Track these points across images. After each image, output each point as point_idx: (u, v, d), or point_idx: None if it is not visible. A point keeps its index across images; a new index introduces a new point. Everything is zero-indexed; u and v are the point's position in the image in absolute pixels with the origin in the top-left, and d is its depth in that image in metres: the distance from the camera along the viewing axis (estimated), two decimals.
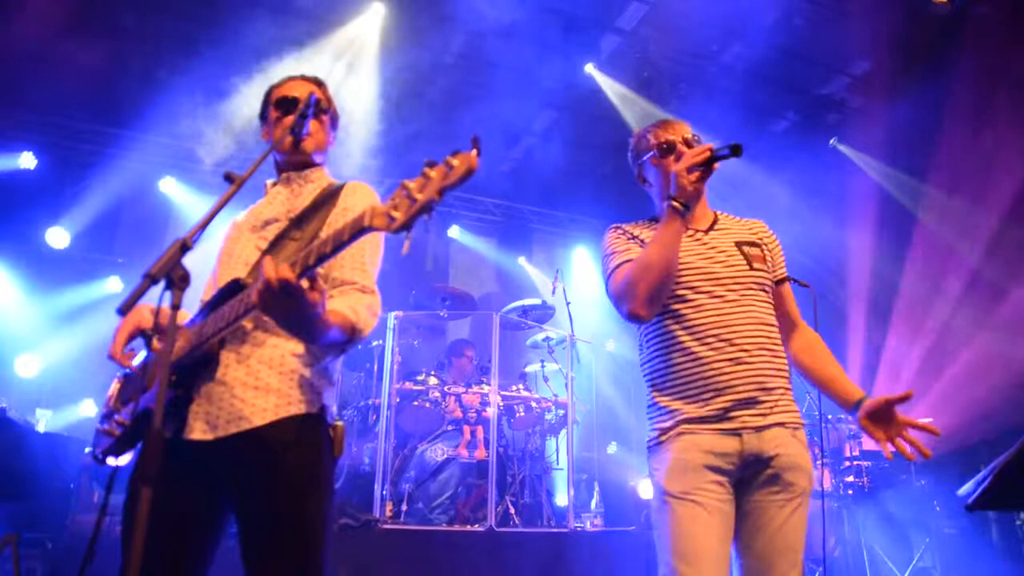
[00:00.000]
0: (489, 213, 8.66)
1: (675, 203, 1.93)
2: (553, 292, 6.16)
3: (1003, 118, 6.01)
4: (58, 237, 6.58)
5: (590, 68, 6.92)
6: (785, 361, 2.04)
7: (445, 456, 5.05)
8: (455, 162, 1.30)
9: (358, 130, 6.87)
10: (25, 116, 6.62)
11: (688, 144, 2.14)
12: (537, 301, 6.02)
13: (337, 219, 1.84)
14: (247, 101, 6.13)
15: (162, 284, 1.35)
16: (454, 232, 8.52)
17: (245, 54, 5.97)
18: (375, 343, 5.47)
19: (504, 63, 6.51)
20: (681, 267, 2.01)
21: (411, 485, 4.93)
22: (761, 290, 2.05)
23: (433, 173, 1.32)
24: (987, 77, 6.08)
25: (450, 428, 5.27)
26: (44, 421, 5.51)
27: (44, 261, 6.54)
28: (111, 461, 1.74)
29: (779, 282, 2.18)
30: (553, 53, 6.51)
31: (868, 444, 6.00)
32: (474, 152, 1.30)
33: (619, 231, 2.19)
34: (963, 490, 1.91)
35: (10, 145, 6.58)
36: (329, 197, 1.91)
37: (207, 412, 1.68)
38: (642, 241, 2.12)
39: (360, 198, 1.91)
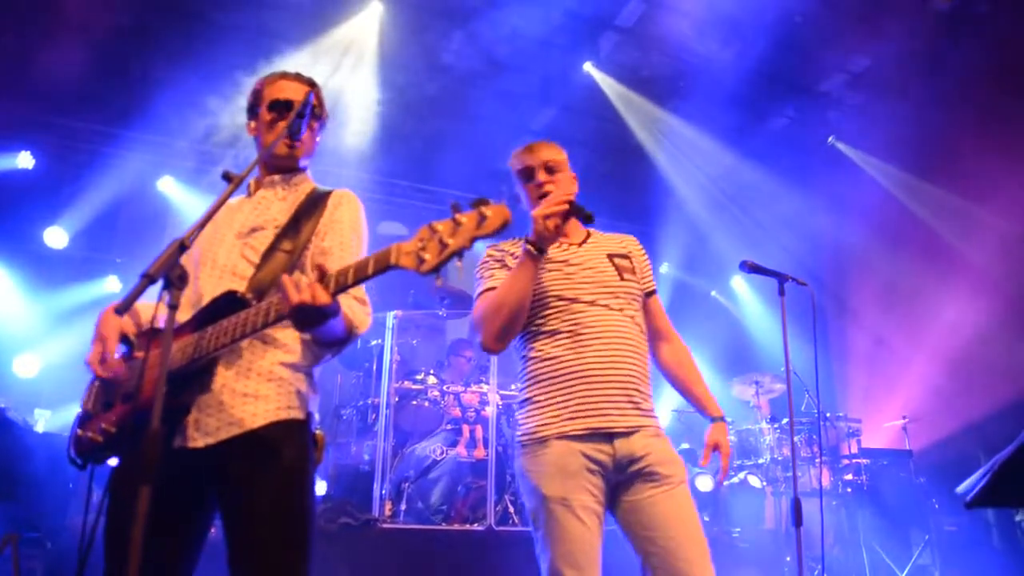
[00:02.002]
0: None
1: (530, 247, 1.94)
2: None
3: (1003, 116, 6.02)
4: (56, 237, 6.56)
5: (589, 67, 6.91)
6: (648, 368, 2.12)
7: (444, 455, 5.05)
8: (489, 213, 1.32)
9: (356, 129, 6.86)
10: (23, 115, 6.60)
11: (548, 169, 2.16)
12: None
13: (326, 230, 1.87)
14: (245, 100, 6.11)
15: (160, 284, 1.35)
16: None
17: (244, 53, 5.96)
18: (374, 342, 5.47)
19: (503, 62, 6.51)
20: (552, 280, 2.08)
21: (410, 484, 4.93)
22: (631, 300, 2.12)
23: (464, 219, 1.33)
24: (986, 75, 6.08)
25: (449, 427, 5.27)
26: (43, 421, 5.51)
27: (42, 261, 6.53)
28: (115, 464, 1.73)
29: (648, 295, 2.25)
30: (552, 51, 6.51)
31: (866, 442, 6.01)
32: (505, 204, 1.33)
33: (492, 254, 2.21)
34: (962, 487, 1.91)
35: (8, 145, 6.56)
36: (313, 205, 1.90)
37: (198, 420, 1.68)
38: (508, 265, 2.13)
39: (347, 211, 1.92)
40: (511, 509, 4.92)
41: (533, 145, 2.23)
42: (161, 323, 1.42)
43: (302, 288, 1.46)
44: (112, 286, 6.67)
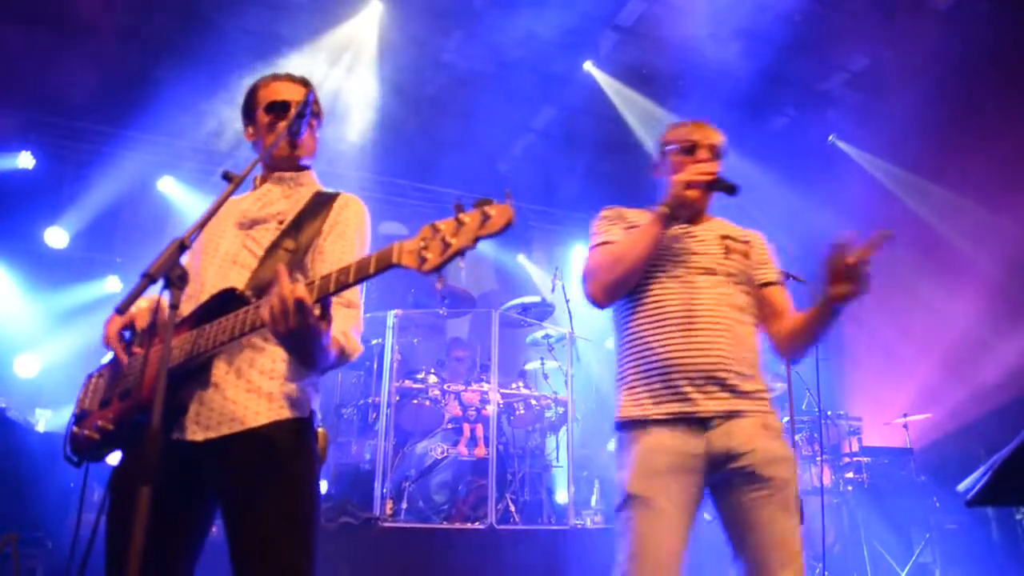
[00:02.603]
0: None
1: (663, 209, 1.92)
2: (552, 289, 6.16)
3: (1003, 114, 6.01)
4: (57, 237, 6.56)
5: (588, 65, 6.91)
6: (755, 350, 2.01)
7: (445, 454, 5.06)
8: (492, 212, 1.30)
9: (356, 129, 6.86)
10: (23, 115, 6.61)
11: (714, 152, 2.11)
12: (536, 299, 6.02)
13: (329, 232, 1.85)
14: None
15: (160, 283, 1.35)
16: None
17: (244, 53, 5.96)
18: (375, 341, 5.47)
19: (503, 61, 6.50)
20: (657, 252, 2.01)
21: (411, 483, 4.93)
22: (733, 281, 2.03)
23: (467, 219, 1.32)
24: (986, 73, 6.08)
25: (450, 426, 5.27)
26: (44, 421, 5.51)
27: (43, 261, 6.53)
28: (112, 460, 1.74)
29: (764, 285, 2.14)
30: (552, 51, 6.50)
31: (867, 440, 6.01)
32: (510, 204, 1.30)
33: (612, 214, 2.20)
34: (963, 486, 1.91)
35: (8, 145, 6.56)
36: (320, 206, 1.89)
37: (197, 413, 1.68)
38: (632, 224, 2.12)
39: (353, 214, 1.91)
40: (512, 508, 4.92)
41: (702, 123, 2.18)
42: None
43: (284, 283, 1.43)
44: (112, 286, 6.67)
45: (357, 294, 1.82)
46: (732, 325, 1.96)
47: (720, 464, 1.86)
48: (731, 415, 1.88)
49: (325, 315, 1.50)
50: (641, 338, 1.99)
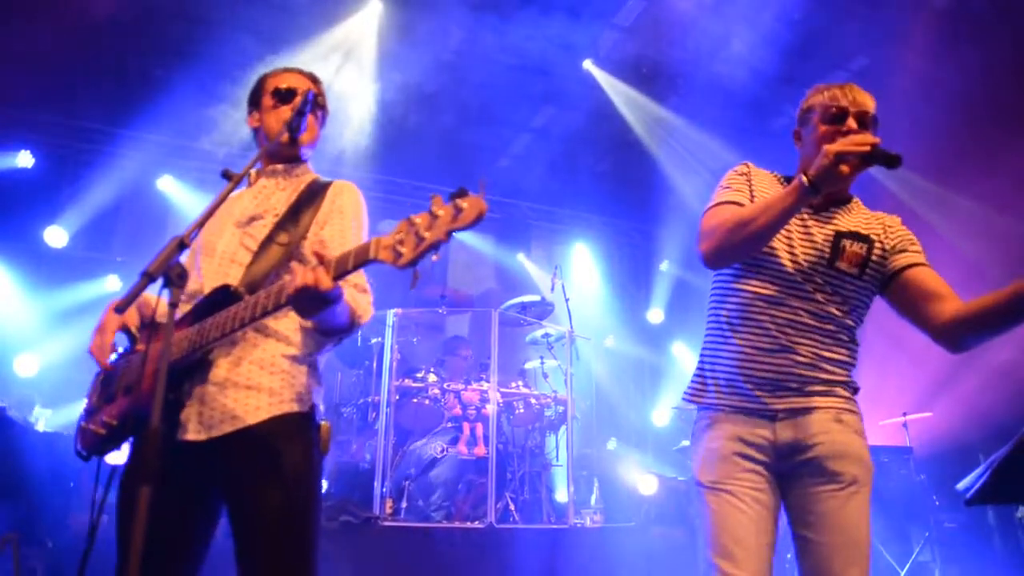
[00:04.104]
0: (487, 210, 8.63)
1: (806, 180, 1.68)
2: (552, 288, 6.16)
3: (1002, 113, 6.01)
4: (56, 236, 6.56)
5: (588, 64, 6.91)
6: (843, 359, 1.87)
7: (445, 453, 5.06)
8: (464, 205, 1.31)
9: (356, 128, 6.86)
10: (22, 115, 6.61)
11: (862, 123, 1.89)
12: (536, 298, 6.02)
13: (326, 220, 1.87)
14: (244, 98, 6.11)
15: (160, 282, 1.36)
16: None
17: (244, 52, 5.96)
18: (374, 340, 5.47)
19: (502, 60, 6.50)
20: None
21: (411, 482, 4.93)
22: (834, 289, 1.86)
23: (441, 212, 1.33)
24: (986, 73, 6.07)
25: (450, 425, 5.28)
26: (44, 421, 5.51)
27: (42, 260, 6.54)
28: (112, 458, 1.74)
29: (903, 270, 1.92)
30: (552, 50, 6.51)
31: (867, 439, 6.00)
32: (482, 196, 1.31)
33: (745, 170, 2.02)
34: (962, 484, 1.91)
35: (7, 144, 6.56)
36: (314, 195, 1.90)
37: (199, 412, 1.68)
38: (757, 190, 1.96)
39: (348, 201, 1.92)
40: (512, 507, 4.92)
41: (852, 86, 1.95)
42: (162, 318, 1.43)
43: (307, 271, 1.47)
44: (112, 285, 6.68)
45: (363, 276, 1.83)
46: (813, 327, 1.84)
47: (788, 455, 1.79)
48: (798, 412, 1.80)
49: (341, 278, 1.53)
50: (720, 327, 1.93)
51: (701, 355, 1.99)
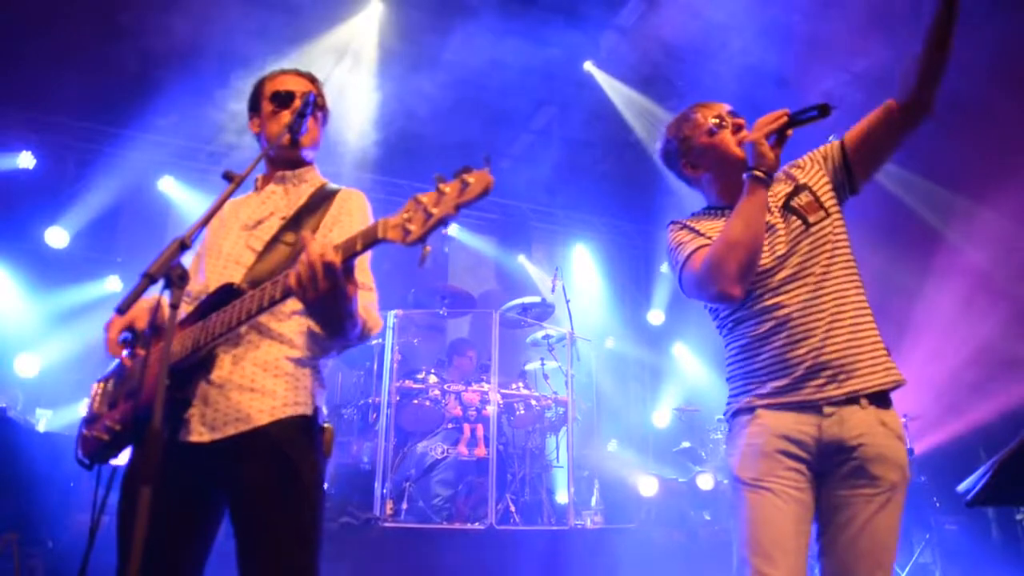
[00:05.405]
0: (488, 211, 8.64)
1: (757, 172, 1.78)
2: (552, 290, 6.16)
3: (1002, 113, 6.01)
4: (57, 237, 6.56)
5: (589, 65, 6.91)
6: (868, 325, 1.88)
7: (445, 454, 5.06)
8: (471, 179, 1.32)
9: (356, 129, 6.86)
10: (23, 115, 6.61)
11: (732, 112, 2.03)
12: (537, 299, 6.02)
13: (334, 223, 1.86)
14: (245, 99, 6.11)
15: (160, 283, 1.35)
16: (453, 230, 8.50)
17: (244, 52, 5.96)
18: (375, 341, 5.47)
19: (503, 61, 6.50)
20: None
21: (411, 483, 4.93)
22: (828, 248, 1.89)
23: (447, 188, 1.34)
24: (985, 72, 6.07)
25: (450, 426, 5.28)
26: (44, 421, 5.51)
27: (43, 261, 6.53)
28: (117, 462, 1.74)
29: (843, 155, 2.03)
30: (552, 50, 6.51)
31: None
32: (488, 170, 1.31)
33: (679, 226, 2.05)
34: (963, 486, 1.91)
35: (9, 145, 6.57)
36: (322, 200, 1.90)
37: (203, 414, 1.68)
38: (703, 233, 1.98)
39: (356, 206, 1.92)
40: (512, 508, 4.92)
41: (708, 102, 2.08)
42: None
43: (314, 243, 1.46)
44: (113, 286, 6.67)
45: (369, 276, 1.84)
46: (836, 302, 1.84)
47: (827, 455, 1.77)
48: (841, 402, 1.78)
49: (350, 277, 1.52)
50: (744, 345, 1.92)
51: (730, 372, 1.97)
